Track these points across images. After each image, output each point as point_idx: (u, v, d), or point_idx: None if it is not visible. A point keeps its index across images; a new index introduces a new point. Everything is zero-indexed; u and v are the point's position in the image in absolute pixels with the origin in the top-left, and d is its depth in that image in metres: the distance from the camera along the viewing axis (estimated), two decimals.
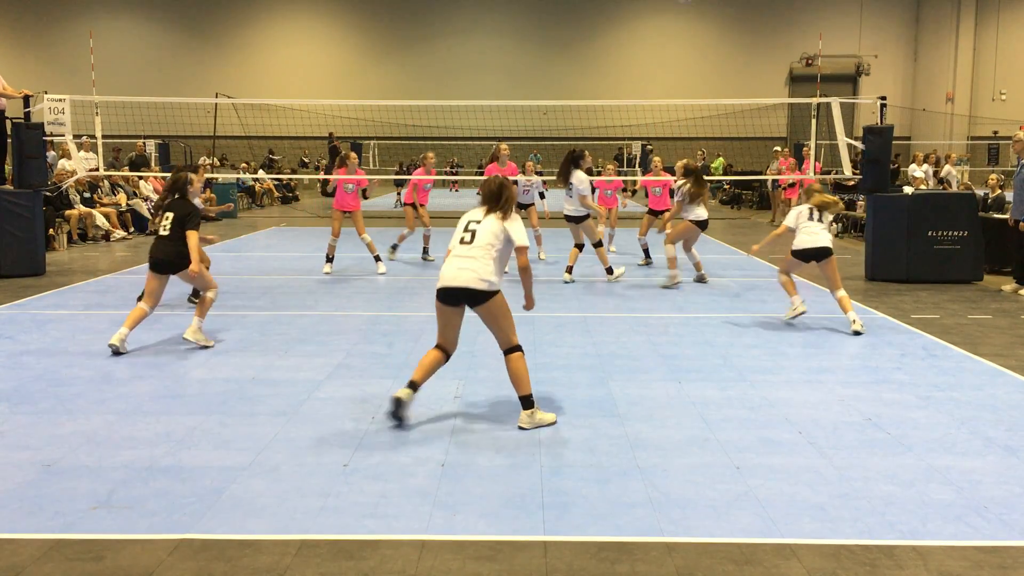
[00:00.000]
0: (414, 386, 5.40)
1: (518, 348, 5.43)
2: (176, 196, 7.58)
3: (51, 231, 14.18)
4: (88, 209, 15.90)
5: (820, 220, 8.45)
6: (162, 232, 7.44)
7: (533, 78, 38.67)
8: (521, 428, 5.36)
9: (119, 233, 16.31)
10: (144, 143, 23.09)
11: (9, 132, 11.82)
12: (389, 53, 39.90)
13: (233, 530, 3.95)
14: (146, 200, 18.08)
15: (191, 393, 6.11)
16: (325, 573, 3.58)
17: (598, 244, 11.21)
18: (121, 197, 17.47)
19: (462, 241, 5.43)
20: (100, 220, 16.01)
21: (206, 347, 7.45)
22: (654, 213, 12.97)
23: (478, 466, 4.74)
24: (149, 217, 17.60)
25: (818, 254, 8.35)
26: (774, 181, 20.65)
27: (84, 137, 17.25)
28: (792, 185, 19.44)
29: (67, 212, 15.23)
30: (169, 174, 8.37)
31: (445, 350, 5.53)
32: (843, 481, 4.55)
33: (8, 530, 3.94)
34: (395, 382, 6.35)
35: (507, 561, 3.69)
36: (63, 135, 12.65)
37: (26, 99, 12.07)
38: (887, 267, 11.57)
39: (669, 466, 4.75)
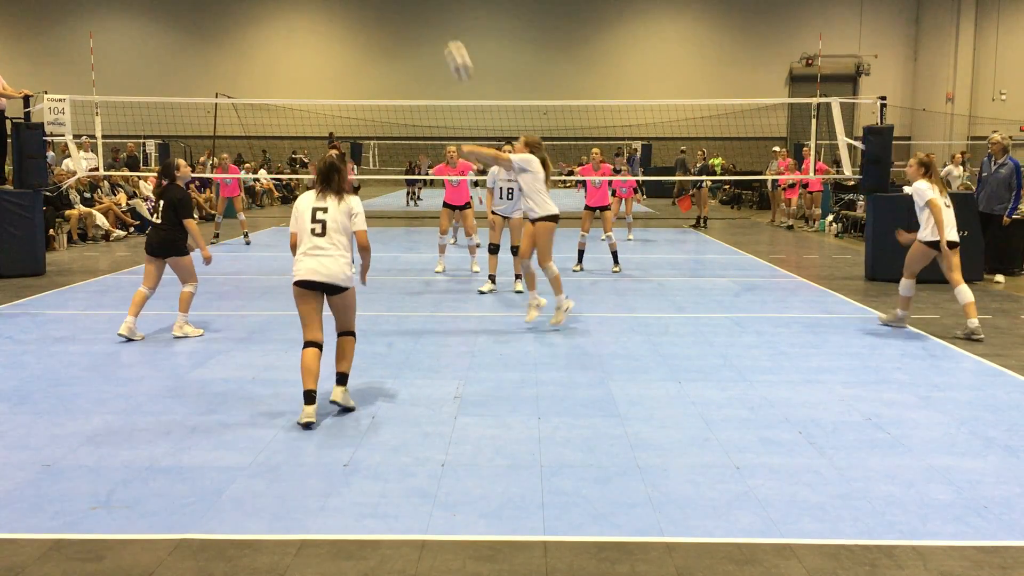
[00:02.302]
0: (311, 396, 5.47)
1: (354, 333, 5.85)
2: (167, 182, 7.84)
3: (51, 231, 14.18)
4: (88, 209, 15.90)
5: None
6: (156, 219, 7.80)
7: (533, 78, 38.66)
8: (334, 402, 5.63)
9: (119, 233, 16.31)
10: (144, 143, 23.08)
11: (9, 132, 11.82)
12: (389, 53, 39.89)
13: (233, 530, 3.95)
14: (146, 200, 18.08)
15: (191, 393, 6.11)
16: (325, 573, 3.58)
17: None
18: (121, 197, 17.47)
19: (313, 232, 5.58)
20: (100, 220, 16.02)
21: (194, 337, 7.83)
22: (591, 209, 12.31)
23: (478, 466, 4.74)
24: (149, 217, 17.62)
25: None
26: (774, 181, 20.66)
27: (84, 137, 17.24)
28: (792, 185, 19.46)
29: (67, 212, 15.24)
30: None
31: (319, 344, 5.68)
32: (843, 481, 4.55)
33: (8, 530, 3.94)
34: (395, 382, 6.36)
35: (507, 561, 3.68)
36: (63, 135, 12.64)
37: (26, 99, 12.07)
38: (887, 267, 11.55)
39: (669, 466, 4.75)
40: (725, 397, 6.06)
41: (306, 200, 5.72)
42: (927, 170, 8.32)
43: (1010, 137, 12.00)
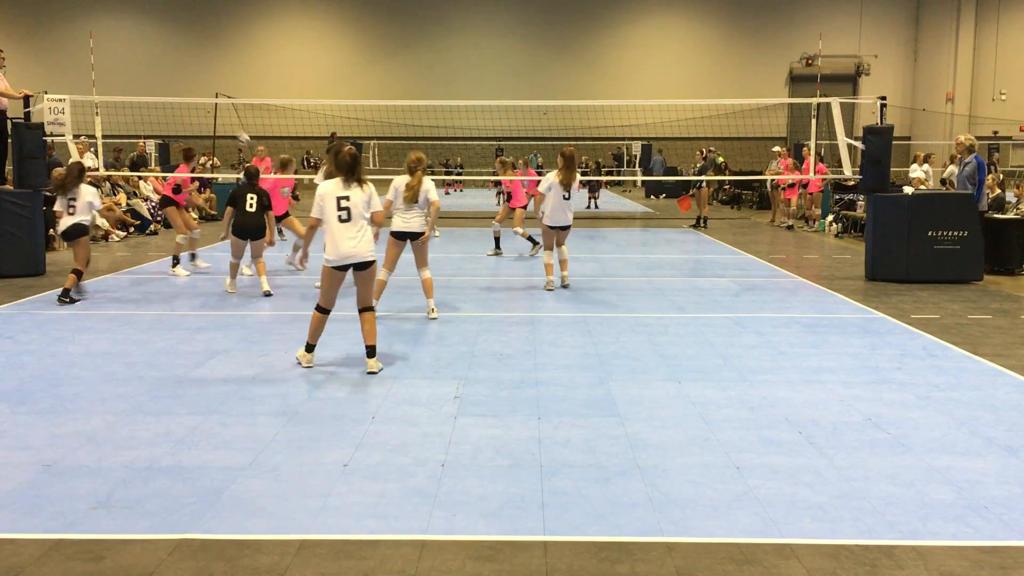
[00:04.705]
0: (313, 348, 6.77)
1: (373, 308, 6.80)
2: (251, 181, 10.26)
3: (51, 231, 14.17)
4: None
5: (416, 201, 8.73)
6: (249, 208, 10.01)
7: (533, 78, 38.68)
8: (371, 373, 6.57)
9: (119, 233, 16.31)
10: (144, 143, 23.09)
11: (9, 132, 11.82)
12: (389, 53, 39.90)
13: (233, 530, 3.95)
14: (146, 200, 18.08)
15: (191, 393, 6.11)
16: (325, 573, 3.58)
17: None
18: (121, 197, 17.46)
19: (340, 219, 6.50)
20: (100, 220, 16.01)
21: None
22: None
23: (478, 466, 4.74)
24: (149, 217, 17.62)
25: (414, 236, 8.78)
26: (774, 181, 20.65)
27: (82, 137, 17.23)
28: (792, 185, 19.45)
29: None
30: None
31: (328, 310, 6.74)
32: (843, 481, 4.55)
33: (8, 530, 3.94)
34: (395, 382, 6.36)
35: (507, 561, 3.68)
36: (63, 135, 12.63)
37: (26, 99, 12.07)
38: (887, 267, 11.57)
39: (669, 466, 4.75)
40: (725, 397, 6.06)
41: (329, 189, 6.56)
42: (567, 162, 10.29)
43: (1010, 134, 12.21)
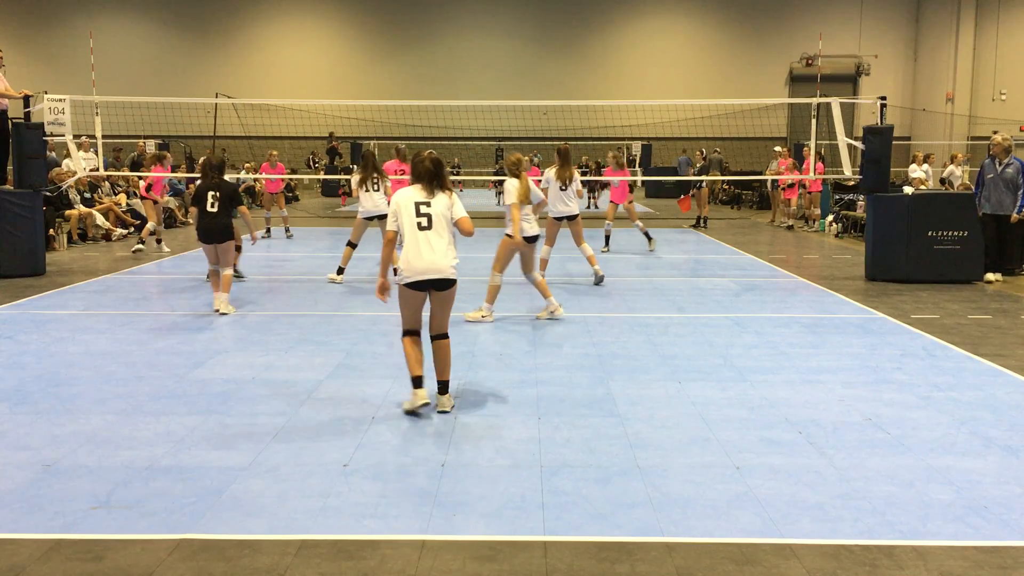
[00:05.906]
0: (420, 381, 5.67)
1: (448, 335, 5.85)
2: (216, 177, 9.20)
3: (51, 231, 14.18)
4: (88, 209, 15.90)
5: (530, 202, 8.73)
6: (210, 208, 8.98)
7: (533, 78, 38.65)
8: (444, 412, 5.66)
9: (120, 232, 16.32)
10: (144, 143, 23.11)
11: (10, 132, 11.81)
12: (390, 53, 39.88)
13: (233, 530, 3.95)
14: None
15: (191, 393, 6.11)
16: (325, 573, 3.58)
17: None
18: (121, 197, 17.46)
19: (420, 226, 5.64)
20: (100, 220, 16.02)
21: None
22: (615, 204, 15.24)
23: (478, 466, 4.74)
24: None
25: (536, 238, 8.77)
26: (774, 181, 20.66)
27: (83, 137, 17.24)
28: (792, 185, 19.45)
29: (67, 212, 15.23)
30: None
31: (418, 332, 5.81)
32: (843, 481, 4.55)
33: (8, 530, 3.95)
34: (395, 382, 6.35)
35: (507, 561, 3.68)
36: (63, 135, 12.63)
37: (26, 99, 12.07)
38: (887, 267, 11.57)
39: (669, 466, 4.75)
40: (725, 397, 6.06)
41: (407, 195, 5.75)
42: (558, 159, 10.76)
43: (1011, 137, 12.04)
